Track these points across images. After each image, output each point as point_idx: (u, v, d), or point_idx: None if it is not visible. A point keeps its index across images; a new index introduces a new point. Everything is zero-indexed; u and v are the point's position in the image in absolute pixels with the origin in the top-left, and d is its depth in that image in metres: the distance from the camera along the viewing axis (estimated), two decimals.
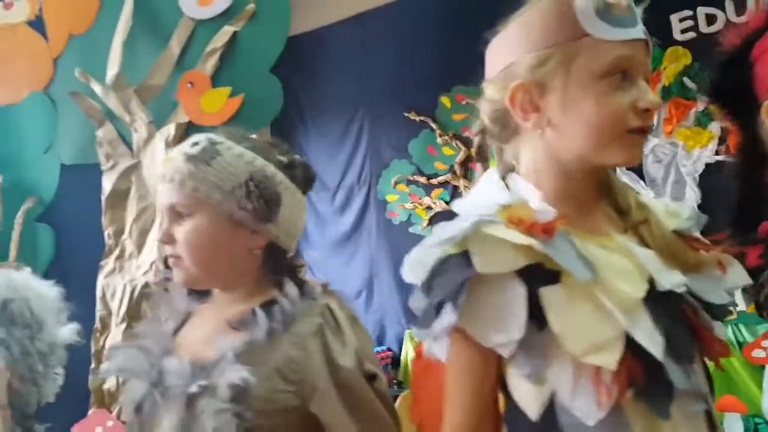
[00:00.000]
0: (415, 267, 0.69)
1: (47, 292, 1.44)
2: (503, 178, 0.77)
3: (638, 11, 0.78)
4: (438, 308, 0.67)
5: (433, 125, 4.61)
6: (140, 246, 2.28)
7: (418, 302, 0.71)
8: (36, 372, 1.36)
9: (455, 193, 4.85)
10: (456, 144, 4.66)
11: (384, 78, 3.85)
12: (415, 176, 5.18)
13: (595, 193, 0.79)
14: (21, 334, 1.34)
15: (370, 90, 3.90)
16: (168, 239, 0.90)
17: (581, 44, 0.77)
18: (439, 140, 4.73)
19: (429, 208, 5.17)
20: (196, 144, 0.91)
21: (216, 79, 2.25)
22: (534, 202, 0.71)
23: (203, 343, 0.91)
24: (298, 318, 0.90)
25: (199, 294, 1.00)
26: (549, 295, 0.65)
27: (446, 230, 0.66)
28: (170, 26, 2.32)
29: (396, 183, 5.25)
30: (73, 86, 2.46)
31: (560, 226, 0.67)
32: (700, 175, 2.49)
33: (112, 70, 2.31)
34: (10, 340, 1.31)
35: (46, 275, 2.36)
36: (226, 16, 2.26)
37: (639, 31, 0.78)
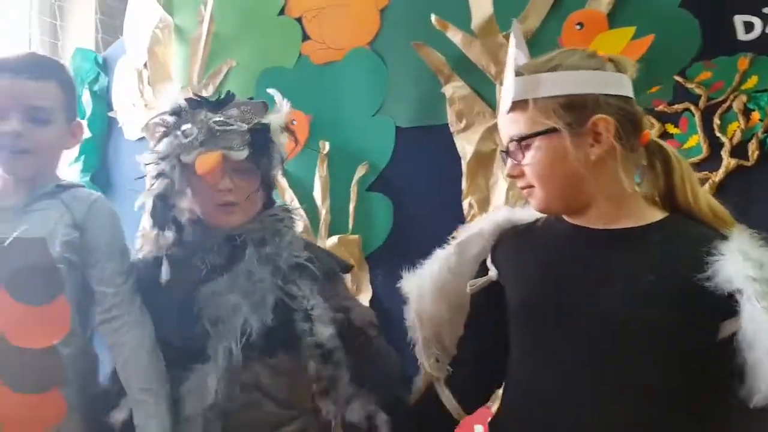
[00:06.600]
0: None
1: None
2: None
3: None
4: None
5: None
6: None
7: None
8: None
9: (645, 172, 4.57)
10: (648, 120, 4.25)
11: None
12: None
13: None
14: None
15: None
16: None
17: None
18: None
19: None
20: None
21: (611, 19, 1.94)
22: None
23: None
24: None
25: None
26: None
27: None
28: None
29: None
30: (404, 39, 2.19)
31: None
32: None
33: (482, 13, 2.02)
34: None
35: (383, 249, 2.13)
36: None
37: None
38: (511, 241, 1.23)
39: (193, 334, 1.32)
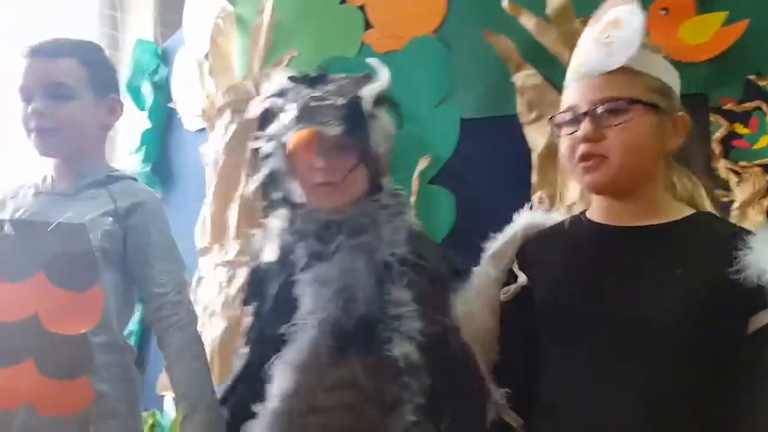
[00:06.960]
0: None
1: None
2: None
3: None
4: None
5: None
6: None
7: None
8: None
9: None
10: (713, 119, 4.00)
11: None
12: None
13: None
14: None
15: None
16: None
17: None
18: None
19: None
20: None
21: (699, 3, 1.78)
22: None
23: None
24: None
25: None
26: None
27: None
28: None
29: None
30: (471, 25, 2.08)
31: None
32: None
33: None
34: None
35: (444, 243, 2.01)
36: None
37: None
38: (537, 244, 1.25)
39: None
